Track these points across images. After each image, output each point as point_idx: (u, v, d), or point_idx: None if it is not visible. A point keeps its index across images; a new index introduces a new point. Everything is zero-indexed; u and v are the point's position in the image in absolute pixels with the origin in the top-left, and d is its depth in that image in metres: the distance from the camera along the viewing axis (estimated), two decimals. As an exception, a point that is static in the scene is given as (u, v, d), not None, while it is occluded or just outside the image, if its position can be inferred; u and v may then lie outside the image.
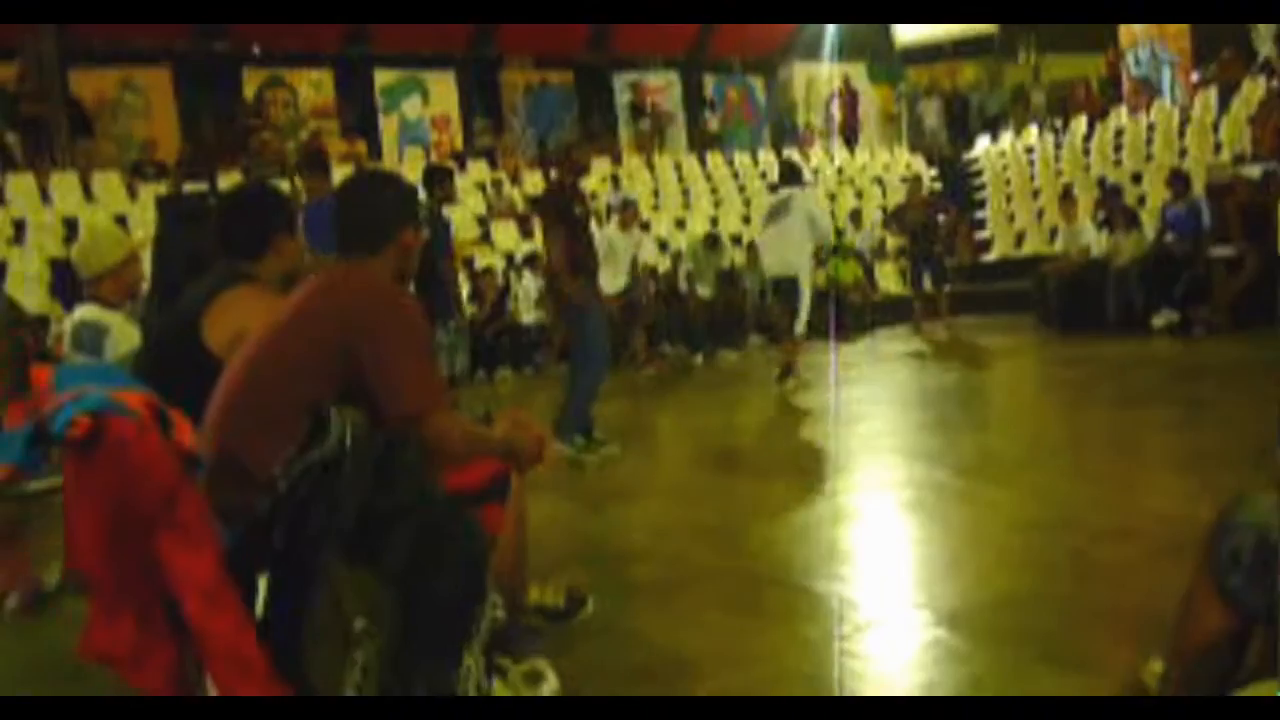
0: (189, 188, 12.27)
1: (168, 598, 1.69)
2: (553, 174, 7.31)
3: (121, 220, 12.02)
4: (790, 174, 8.63)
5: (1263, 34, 14.55)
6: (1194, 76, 15.67)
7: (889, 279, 14.58)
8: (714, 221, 15.23)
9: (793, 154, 16.98)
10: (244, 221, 2.74)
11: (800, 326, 8.12)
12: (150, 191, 12.64)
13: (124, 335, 3.60)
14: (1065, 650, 2.53)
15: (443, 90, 16.57)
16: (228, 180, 12.28)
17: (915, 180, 13.57)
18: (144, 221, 11.42)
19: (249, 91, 15.23)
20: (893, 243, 15.47)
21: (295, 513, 1.82)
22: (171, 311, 2.70)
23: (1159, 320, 9.33)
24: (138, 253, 3.92)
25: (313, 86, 15.79)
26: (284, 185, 12.67)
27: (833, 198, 15.90)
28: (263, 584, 1.89)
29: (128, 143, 14.25)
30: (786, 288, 8.12)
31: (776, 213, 8.16)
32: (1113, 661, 2.35)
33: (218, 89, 14.74)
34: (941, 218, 12.29)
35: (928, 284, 11.58)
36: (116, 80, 14.21)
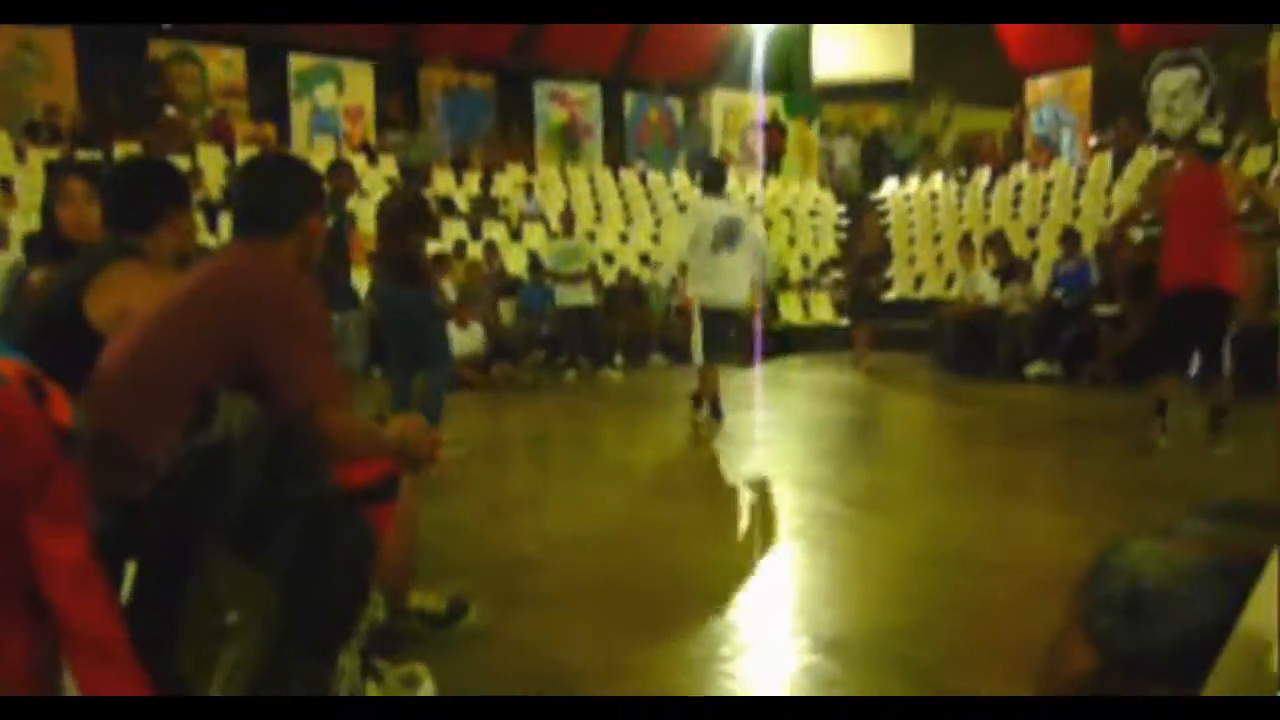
0: (83, 155, 11.80)
1: (28, 581, 1.60)
2: (400, 181, 7.35)
3: (7, 183, 11.51)
4: (715, 178, 7.42)
5: (1157, 106, 15.30)
6: (1092, 140, 16.38)
7: (790, 309, 14.83)
8: (624, 238, 15.29)
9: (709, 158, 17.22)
10: (137, 194, 2.64)
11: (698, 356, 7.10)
12: (40, 156, 12.12)
13: None
14: (938, 681, 2.58)
15: (359, 81, 16.30)
16: (125, 151, 11.86)
17: (869, 215, 13.81)
18: (31, 186, 10.95)
19: (155, 64, 14.74)
20: (796, 274, 15.78)
21: (175, 499, 1.74)
22: (54, 280, 2.58)
23: (1033, 370, 9.81)
24: None
25: (223, 65, 15.36)
26: (185, 162, 12.30)
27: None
28: (130, 571, 1.81)
29: (21, 104, 13.64)
30: (722, 324, 7.06)
31: (730, 238, 6.91)
32: (984, 695, 2.40)
33: (122, 58, 14.23)
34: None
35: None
36: (15, 39, 13.60)
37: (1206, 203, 5.83)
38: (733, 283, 6.95)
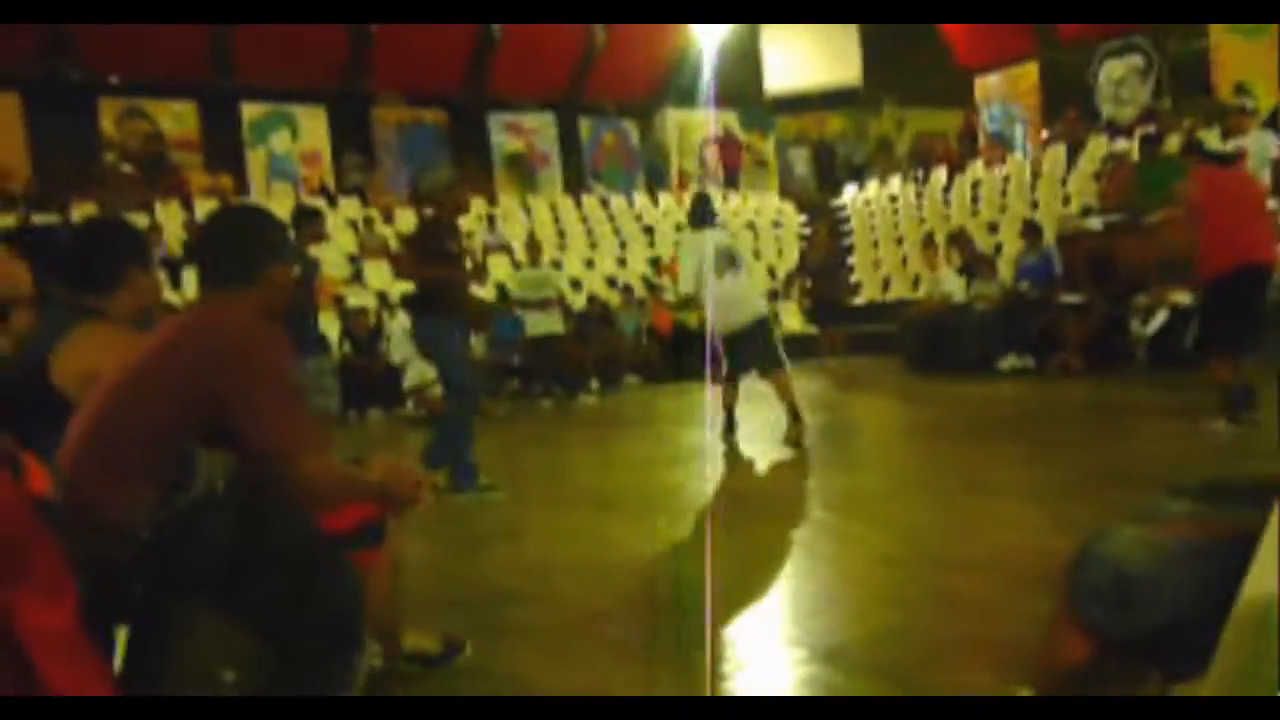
0: (38, 219, 11.70)
1: (17, 656, 1.58)
2: (428, 211, 7.27)
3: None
4: (704, 211, 7.59)
5: (1105, 95, 15.55)
6: (1044, 133, 16.61)
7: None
8: (590, 263, 15.32)
9: (694, 193, 17.29)
10: (96, 255, 2.62)
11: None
12: (-5, 223, 11.99)
13: None
14: (937, 681, 2.59)
15: (313, 125, 16.29)
16: (81, 212, 11.77)
17: (819, 224, 14.03)
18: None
19: (106, 122, 14.66)
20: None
21: (159, 561, 1.73)
22: (18, 348, 2.55)
23: (1005, 363, 9.93)
24: None
25: (174, 118, 15.30)
26: (142, 219, 12.22)
27: (706, 241, 16.19)
28: (121, 637, 1.79)
29: (-30, 171, 13.51)
30: (747, 335, 7.22)
31: (731, 263, 7.18)
32: (981, 691, 2.42)
33: (72, 118, 14.14)
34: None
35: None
36: (-40, 105, 13.50)
37: (1241, 195, 6.00)
38: (742, 303, 7.15)
